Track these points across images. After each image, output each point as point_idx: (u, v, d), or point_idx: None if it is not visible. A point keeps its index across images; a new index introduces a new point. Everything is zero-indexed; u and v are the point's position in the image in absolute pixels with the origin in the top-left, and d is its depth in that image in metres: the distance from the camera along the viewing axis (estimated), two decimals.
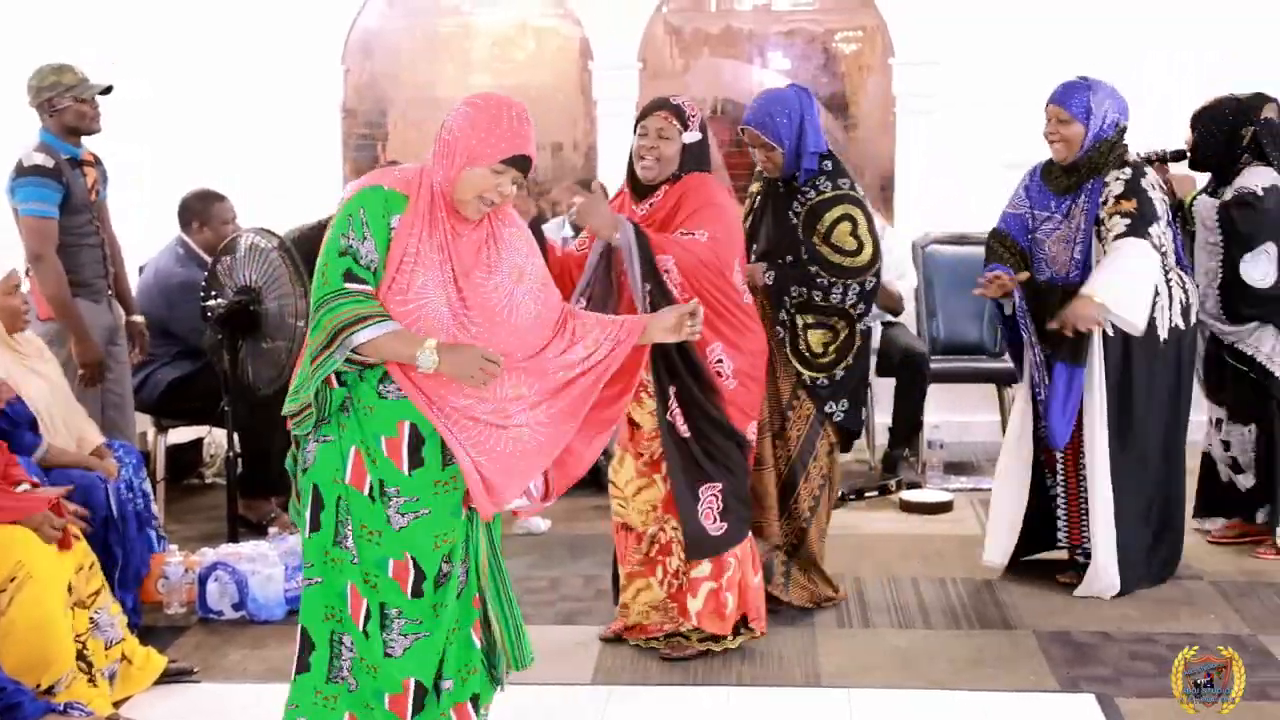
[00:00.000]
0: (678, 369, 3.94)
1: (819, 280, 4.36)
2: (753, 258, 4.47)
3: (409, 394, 2.98)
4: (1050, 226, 4.71)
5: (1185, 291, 4.68)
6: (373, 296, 2.94)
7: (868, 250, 4.40)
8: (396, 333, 2.93)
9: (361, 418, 3.01)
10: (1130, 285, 4.50)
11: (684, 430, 4.01)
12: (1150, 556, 4.78)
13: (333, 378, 2.98)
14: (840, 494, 5.98)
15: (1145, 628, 4.46)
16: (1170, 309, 4.62)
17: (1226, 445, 5.21)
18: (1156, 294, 4.57)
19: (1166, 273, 4.61)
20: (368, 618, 3.06)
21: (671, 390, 3.98)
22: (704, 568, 4.10)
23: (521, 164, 2.99)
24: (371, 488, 3.02)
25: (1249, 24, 6.76)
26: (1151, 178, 4.62)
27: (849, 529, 5.40)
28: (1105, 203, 4.56)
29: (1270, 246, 4.95)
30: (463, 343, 2.96)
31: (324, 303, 2.95)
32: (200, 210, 5.80)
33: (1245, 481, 5.20)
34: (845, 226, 4.37)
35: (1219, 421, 5.24)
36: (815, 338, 4.42)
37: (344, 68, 7.44)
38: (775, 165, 4.41)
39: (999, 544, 4.91)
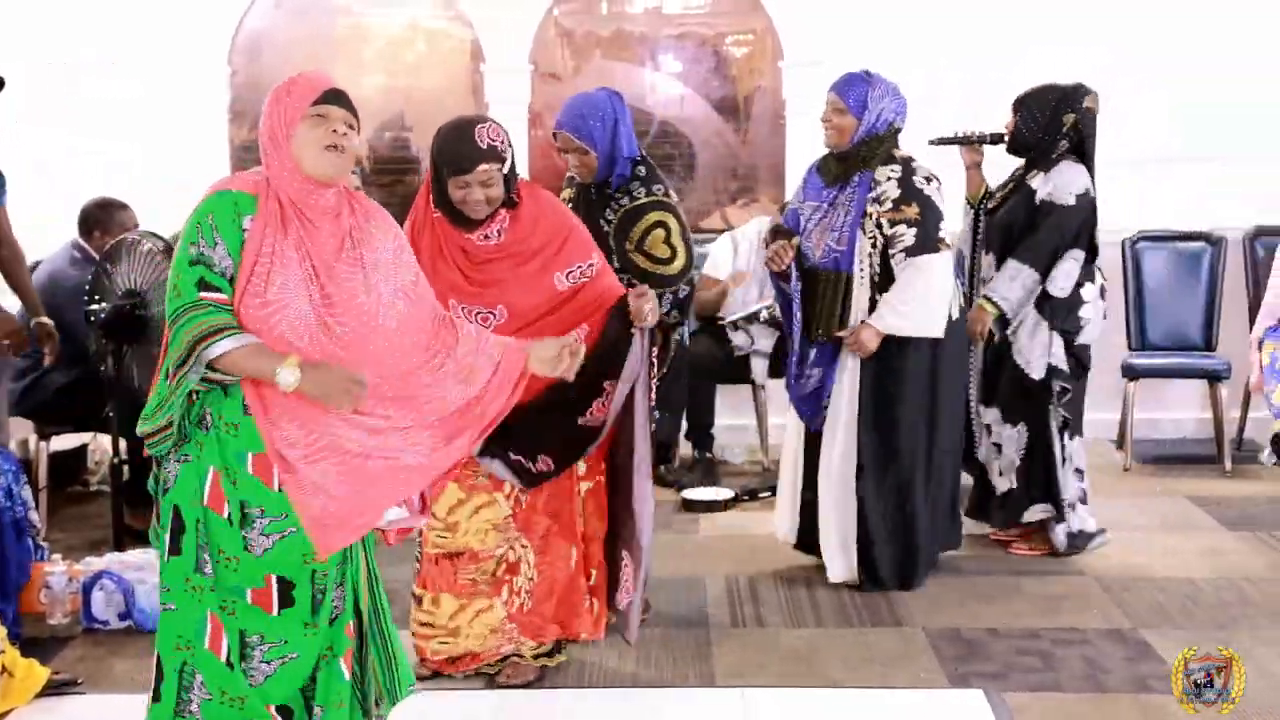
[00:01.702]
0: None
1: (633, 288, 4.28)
2: None
3: (257, 421, 2.86)
4: (818, 216, 4.78)
5: (952, 288, 4.76)
6: (229, 306, 2.83)
7: (680, 258, 4.33)
8: (256, 346, 2.80)
9: (223, 436, 2.88)
10: (925, 305, 4.63)
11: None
12: (899, 552, 4.81)
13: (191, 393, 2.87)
14: (733, 494, 6.05)
15: (1031, 623, 4.55)
16: None
17: (999, 448, 5.24)
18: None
19: None
20: (229, 648, 2.96)
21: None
22: (593, 578, 4.03)
23: (332, 98, 2.94)
24: (230, 511, 2.90)
25: (1136, 19, 6.90)
26: (923, 170, 4.69)
27: (741, 529, 5.43)
28: (879, 201, 4.65)
29: (1077, 254, 5.06)
30: (328, 356, 2.86)
31: (179, 315, 2.83)
32: (101, 219, 5.71)
33: (1002, 484, 5.25)
34: (659, 234, 4.31)
35: (989, 426, 5.28)
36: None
37: (229, 69, 7.34)
38: (589, 170, 4.33)
39: (782, 519, 5.02)
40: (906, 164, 4.69)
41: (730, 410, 6.73)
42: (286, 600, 2.95)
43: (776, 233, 4.95)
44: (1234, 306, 6.77)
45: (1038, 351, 5.08)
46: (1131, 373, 6.57)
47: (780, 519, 5.05)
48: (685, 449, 6.57)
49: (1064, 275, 5.05)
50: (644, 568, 4.03)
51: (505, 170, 3.73)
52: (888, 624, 4.58)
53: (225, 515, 2.91)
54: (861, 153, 4.71)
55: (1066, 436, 5.15)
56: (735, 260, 6.47)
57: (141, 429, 2.95)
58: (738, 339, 6.43)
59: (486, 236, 3.80)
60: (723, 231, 6.89)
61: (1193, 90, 6.88)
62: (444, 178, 3.73)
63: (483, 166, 3.68)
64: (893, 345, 4.67)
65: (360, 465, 2.92)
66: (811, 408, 4.80)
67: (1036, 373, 5.08)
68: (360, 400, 2.85)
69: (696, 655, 4.32)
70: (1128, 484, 6.30)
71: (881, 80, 4.75)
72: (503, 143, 3.73)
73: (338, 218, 2.95)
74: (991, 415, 5.24)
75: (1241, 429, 6.79)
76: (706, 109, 8.58)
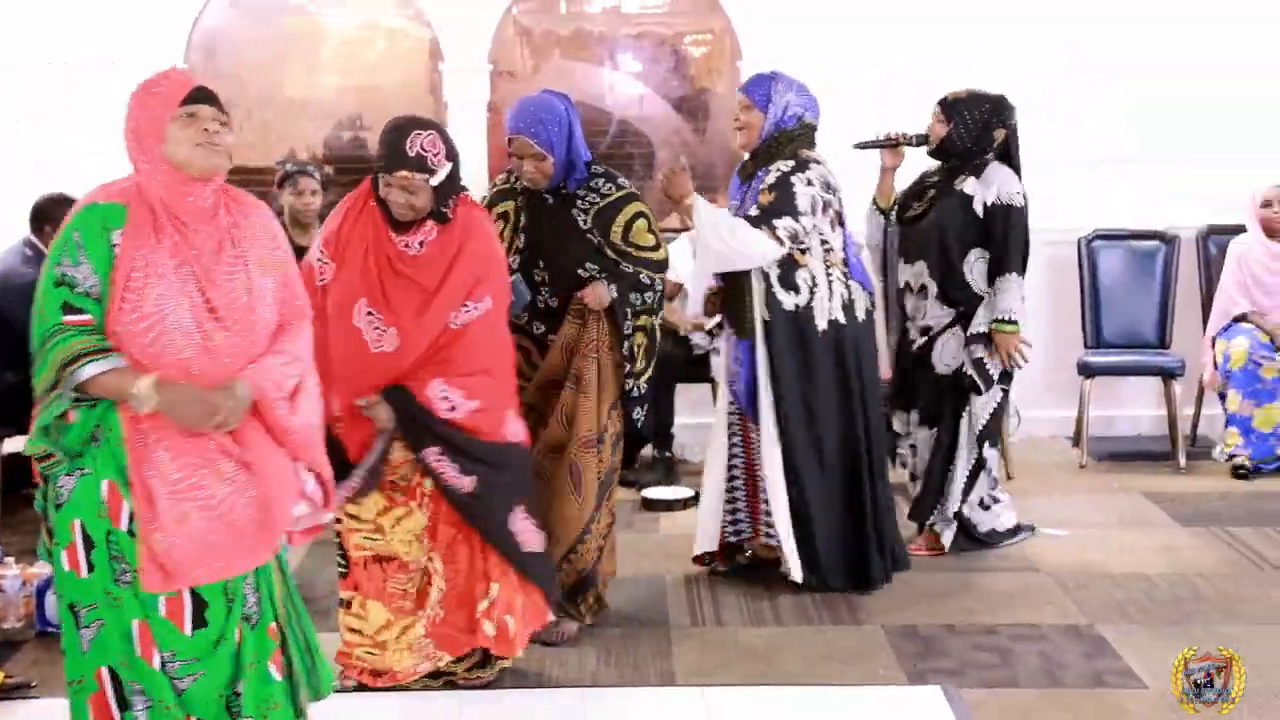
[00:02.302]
0: (423, 431, 3.74)
1: (644, 280, 4.31)
2: (537, 274, 4.32)
3: (128, 444, 2.81)
4: (734, 212, 4.80)
5: (848, 289, 4.76)
6: (93, 327, 2.78)
7: (663, 246, 4.39)
8: (118, 371, 2.76)
9: (115, 449, 2.83)
10: (720, 240, 4.64)
11: (466, 486, 3.78)
12: (846, 550, 4.80)
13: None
14: (693, 493, 6.05)
15: (988, 620, 4.58)
16: (831, 302, 4.70)
17: (915, 450, 5.30)
18: (815, 286, 4.68)
19: (829, 269, 4.71)
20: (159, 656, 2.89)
21: (433, 454, 3.77)
22: (493, 592, 3.88)
23: (199, 96, 2.88)
24: (132, 522, 2.84)
25: (1092, 19, 6.93)
26: (815, 172, 4.70)
27: None
28: (761, 190, 4.70)
29: (985, 253, 5.10)
30: (210, 364, 2.82)
31: (46, 340, 2.80)
32: (54, 214, 5.64)
33: (916, 490, 5.31)
34: (642, 224, 4.32)
35: (907, 433, 5.32)
36: (637, 340, 4.36)
37: (185, 67, 7.28)
38: (544, 175, 4.25)
39: (704, 532, 4.96)
40: (803, 163, 4.71)
41: (689, 409, 6.74)
42: (200, 620, 2.90)
43: None
44: (1187, 304, 6.84)
45: (962, 354, 5.09)
46: (1087, 370, 6.62)
47: (701, 531, 4.99)
48: (645, 448, 6.57)
49: (979, 269, 5.13)
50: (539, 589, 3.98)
51: (434, 182, 3.67)
52: (846, 622, 4.59)
53: (125, 527, 2.85)
54: (771, 149, 4.74)
55: (987, 445, 5.18)
56: (695, 261, 6.46)
57: (30, 448, 2.88)
58: (697, 338, 6.44)
59: (408, 245, 3.73)
60: (681, 231, 6.89)
61: (1147, 91, 6.93)
62: (377, 169, 3.73)
63: (402, 173, 3.65)
64: (796, 342, 4.68)
65: (220, 516, 2.86)
66: (751, 402, 4.77)
67: (970, 369, 5.07)
68: (222, 418, 2.80)
69: (657, 654, 4.32)
70: (1084, 481, 6.35)
71: (785, 76, 4.79)
72: (436, 156, 3.67)
73: (215, 218, 2.91)
74: (911, 419, 5.29)
75: (1195, 425, 6.85)
76: (666, 108, 8.61)
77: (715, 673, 4.19)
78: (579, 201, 4.31)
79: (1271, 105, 6.92)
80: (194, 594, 2.89)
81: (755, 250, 4.64)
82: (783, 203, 4.65)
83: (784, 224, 4.63)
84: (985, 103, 5.12)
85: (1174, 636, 4.38)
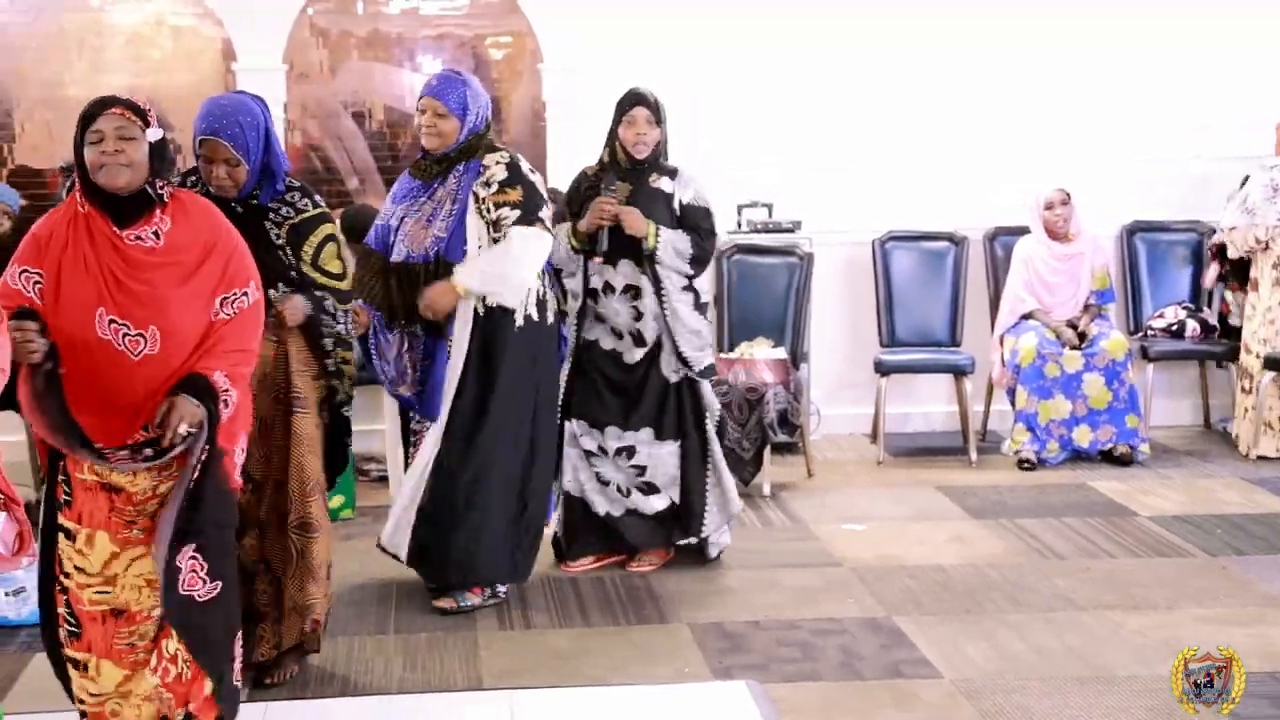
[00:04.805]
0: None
1: (328, 306, 4.05)
2: None
3: None
4: (414, 212, 4.71)
5: (543, 287, 4.76)
6: None
7: (349, 274, 4.19)
8: None
9: None
10: (499, 269, 4.57)
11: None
12: (513, 548, 4.76)
13: None
14: None
15: (790, 615, 4.66)
16: (528, 300, 4.69)
17: (641, 470, 5.09)
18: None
19: None
20: None
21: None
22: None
23: None
24: None
25: (882, 26, 7.10)
26: (524, 162, 4.71)
27: None
28: (488, 184, 4.62)
29: None
30: None
31: None
32: None
33: (658, 504, 5.12)
34: (331, 248, 4.09)
35: (626, 450, 5.09)
36: (348, 371, 4.20)
37: None
38: (236, 183, 3.96)
39: (395, 529, 4.80)
40: (513, 153, 4.71)
41: None
42: None
43: (367, 258, 4.77)
44: (976, 304, 7.06)
45: (706, 357, 5.09)
46: (883, 369, 6.78)
47: (392, 527, 4.80)
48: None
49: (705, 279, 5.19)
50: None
51: (151, 136, 3.35)
52: (653, 620, 4.63)
53: None
54: (464, 150, 4.66)
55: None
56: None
57: None
58: None
59: (140, 237, 3.34)
60: None
61: (937, 99, 7.15)
62: (82, 148, 3.32)
63: (116, 110, 3.32)
64: (489, 339, 4.63)
65: None
66: (433, 403, 4.70)
67: (699, 374, 5.07)
68: None
69: (464, 659, 4.30)
70: (882, 476, 6.51)
71: (473, 79, 4.74)
72: (150, 110, 3.39)
73: None
74: (632, 437, 5.08)
75: (985, 421, 7.08)
76: None
77: (523, 676, 4.18)
78: (272, 215, 4.05)
79: (1052, 113, 7.20)
80: None
81: (533, 253, 4.61)
82: (532, 193, 4.62)
83: (545, 213, 4.63)
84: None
85: (966, 625, 4.52)
